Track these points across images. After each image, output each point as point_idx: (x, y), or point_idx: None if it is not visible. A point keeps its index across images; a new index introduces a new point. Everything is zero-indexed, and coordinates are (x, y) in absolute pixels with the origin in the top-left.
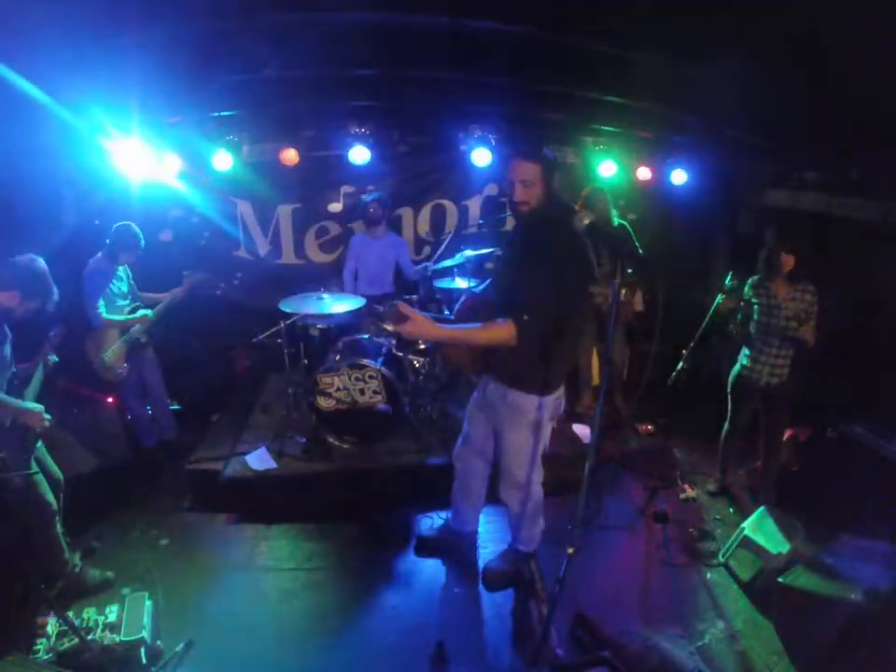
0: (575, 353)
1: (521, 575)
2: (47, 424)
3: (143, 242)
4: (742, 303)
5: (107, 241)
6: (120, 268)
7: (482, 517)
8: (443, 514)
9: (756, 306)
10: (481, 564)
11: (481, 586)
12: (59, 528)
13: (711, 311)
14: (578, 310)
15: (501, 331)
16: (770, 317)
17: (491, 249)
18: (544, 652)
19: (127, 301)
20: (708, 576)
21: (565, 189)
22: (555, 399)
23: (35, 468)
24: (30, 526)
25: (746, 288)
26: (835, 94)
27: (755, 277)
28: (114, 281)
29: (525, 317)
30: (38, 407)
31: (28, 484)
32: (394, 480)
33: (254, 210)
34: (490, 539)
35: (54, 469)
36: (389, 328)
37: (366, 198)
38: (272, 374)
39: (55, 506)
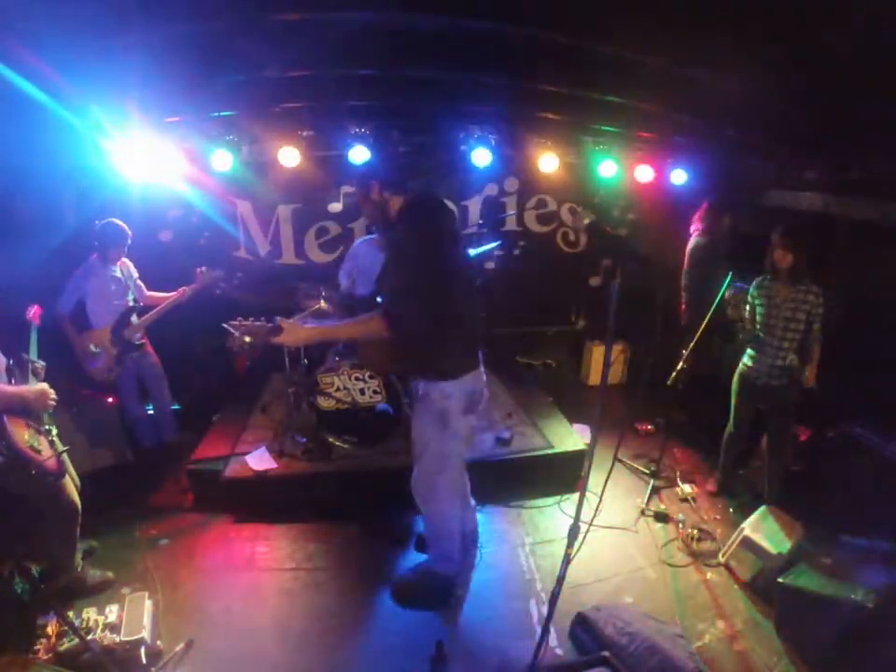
0: (470, 337)
1: (432, 595)
2: (53, 403)
3: (129, 234)
4: (746, 307)
5: (95, 242)
6: (117, 268)
7: (481, 517)
8: None
9: (758, 306)
10: (479, 564)
11: (480, 586)
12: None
13: (711, 311)
14: (440, 295)
15: (371, 324)
16: (769, 317)
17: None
18: (544, 652)
19: (120, 301)
20: (708, 576)
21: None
22: (466, 390)
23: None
24: (54, 527)
25: (751, 289)
26: (835, 94)
27: (760, 277)
28: (107, 282)
29: (389, 308)
30: (41, 386)
31: (58, 486)
32: (394, 480)
33: (254, 210)
34: (490, 539)
35: (73, 472)
36: (247, 339)
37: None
38: (272, 374)
39: (80, 508)
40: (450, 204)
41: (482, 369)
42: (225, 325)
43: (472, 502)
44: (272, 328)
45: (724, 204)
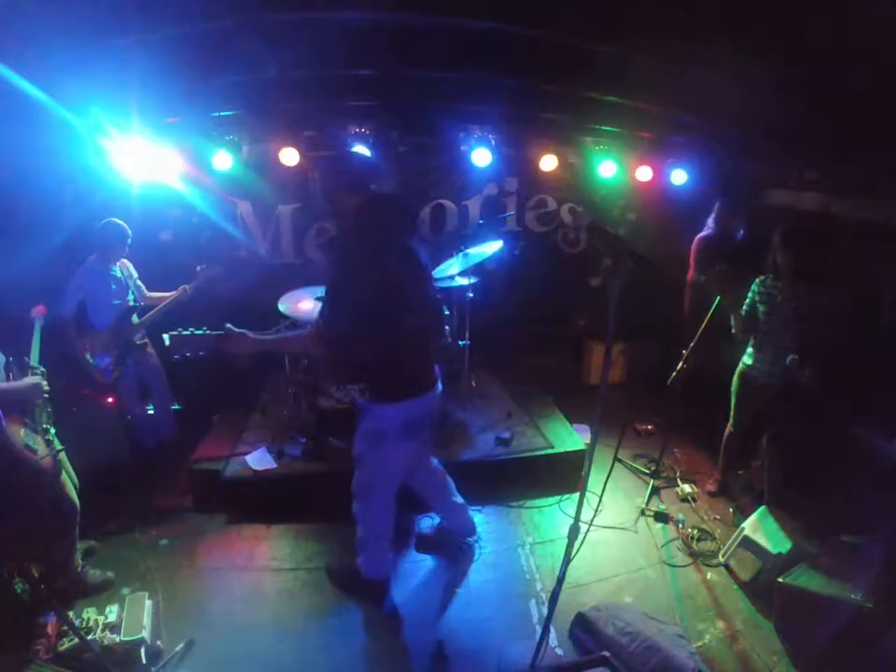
0: (413, 362)
1: (364, 597)
2: (45, 393)
3: (130, 234)
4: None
5: (95, 242)
6: (117, 268)
7: (481, 517)
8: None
9: (759, 305)
10: (479, 564)
11: (480, 586)
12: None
13: (711, 311)
14: (371, 318)
15: (306, 337)
16: (771, 316)
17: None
18: (544, 652)
19: (120, 301)
20: (708, 576)
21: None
22: (404, 416)
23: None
24: (53, 527)
25: (754, 286)
26: (836, 94)
27: (762, 277)
28: (108, 282)
29: (320, 323)
30: (33, 379)
31: (57, 486)
32: None
33: (254, 210)
34: (490, 538)
35: (71, 472)
36: (185, 350)
37: None
38: (272, 374)
39: (79, 506)
40: (450, 205)
41: (436, 392)
42: (165, 335)
43: (461, 500)
44: (217, 336)
45: (736, 205)
